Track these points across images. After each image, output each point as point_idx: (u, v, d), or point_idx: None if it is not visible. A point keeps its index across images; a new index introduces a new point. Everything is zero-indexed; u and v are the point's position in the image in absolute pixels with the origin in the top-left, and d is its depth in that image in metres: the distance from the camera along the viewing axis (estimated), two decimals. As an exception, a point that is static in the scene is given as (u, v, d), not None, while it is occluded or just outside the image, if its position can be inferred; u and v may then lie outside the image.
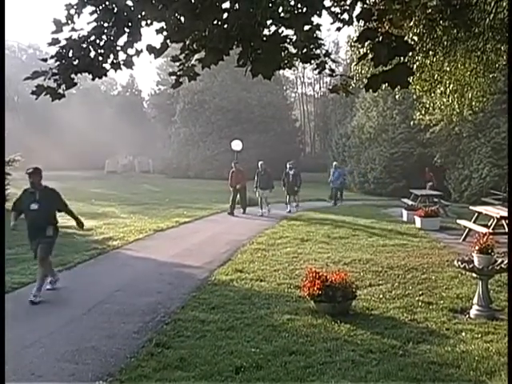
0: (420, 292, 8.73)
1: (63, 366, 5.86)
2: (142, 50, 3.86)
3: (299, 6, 3.58)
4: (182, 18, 3.61)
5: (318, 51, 3.88)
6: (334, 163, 27.31)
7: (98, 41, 3.79)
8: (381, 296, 8.49)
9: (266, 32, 3.66)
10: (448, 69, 11.80)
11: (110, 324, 7.28)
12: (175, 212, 19.85)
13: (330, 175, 26.04)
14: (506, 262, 7.18)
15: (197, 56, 3.99)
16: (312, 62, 3.92)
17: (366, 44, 3.67)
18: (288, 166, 21.72)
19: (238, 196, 20.54)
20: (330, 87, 4.44)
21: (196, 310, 7.76)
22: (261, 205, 20.36)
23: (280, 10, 3.60)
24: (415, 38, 10.24)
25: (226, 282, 9.49)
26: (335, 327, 6.97)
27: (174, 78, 4.25)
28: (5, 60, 4.36)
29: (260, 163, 21.04)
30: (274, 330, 6.90)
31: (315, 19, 3.58)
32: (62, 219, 17.59)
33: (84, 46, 3.79)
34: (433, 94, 13.24)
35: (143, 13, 3.68)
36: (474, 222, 13.75)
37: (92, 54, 3.82)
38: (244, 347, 6.26)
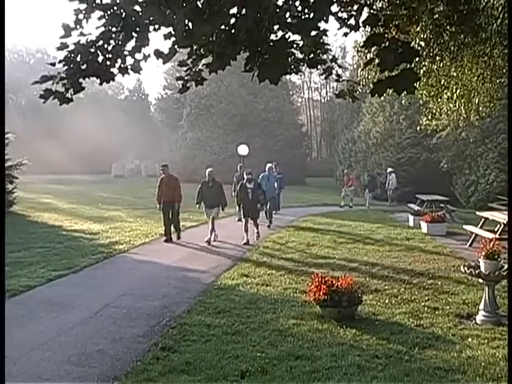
0: (426, 297, 8.71)
1: (69, 369, 5.88)
2: (149, 55, 3.89)
3: (306, 11, 3.59)
4: (190, 24, 3.63)
5: (325, 56, 3.89)
6: (269, 165, 19.18)
7: (105, 45, 3.82)
8: (387, 301, 8.49)
9: (272, 37, 3.67)
10: (455, 74, 11.79)
11: (117, 327, 7.30)
12: (181, 216, 19.79)
13: (264, 181, 17.94)
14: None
15: (204, 61, 4.01)
16: (319, 67, 3.93)
17: (373, 49, 3.68)
18: (245, 175, 15.23)
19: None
20: (337, 92, 4.45)
21: (202, 314, 7.77)
22: (211, 228, 14.80)
23: (287, 15, 3.62)
24: (422, 44, 10.25)
25: (232, 287, 9.49)
26: (341, 332, 6.96)
27: (181, 82, 4.27)
28: (5, 61, 4.40)
29: (208, 170, 15.13)
30: (279, 334, 6.90)
31: (322, 25, 3.60)
32: (69, 223, 17.83)
33: (92, 50, 3.81)
34: (439, 100, 13.22)
35: (151, 18, 3.70)
36: (481, 228, 13.71)
37: (100, 58, 3.85)
38: (249, 352, 6.27)
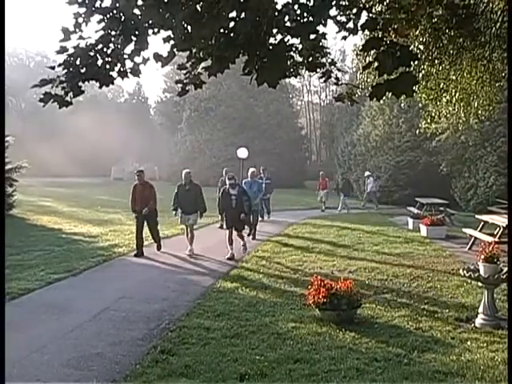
0: (425, 301, 8.71)
1: (68, 372, 5.87)
2: (148, 58, 3.89)
3: (305, 15, 3.60)
4: (189, 27, 3.64)
5: (324, 60, 3.90)
6: (251, 169, 16.68)
7: (105, 49, 3.82)
8: (386, 304, 8.48)
9: (271, 40, 3.68)
10: (454, 77, 11.81)
11: (116, 331, 7.29)
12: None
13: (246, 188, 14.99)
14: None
15: (203, 64, 4.01)
16: (318, 70, 3.94)
17: (372, 53, 3.69)
18: (227, 180, 13.43)
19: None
20: (336, 95, 4.45)
21: (201, 317, 7.77)
22: (190, 238, 13.46)
23: (286, 19, 3.62)
24: (421, 47, 10.27)
25: (231, 290, 9.49)
26: (340, 335, 6.96)
27: (180, 85, 4.27)
28: (5, 64, 4.41)
29: (184, 172, 13.79)
30: (278, 337, 6.90)
31: (321, 28, 3.61)
32: (69, 226, 17.82)
33: (91, 54, 3.82)
34: (439, 103, 13.24)
35: (150, 21, 3.71)
36: (480, 231, 13.71)
37: (99, 62, 3.85)
38: (249, 355, 6.26)
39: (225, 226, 13.36)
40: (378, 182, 29.24)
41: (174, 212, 13.75)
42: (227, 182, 13.28)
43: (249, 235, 15.51)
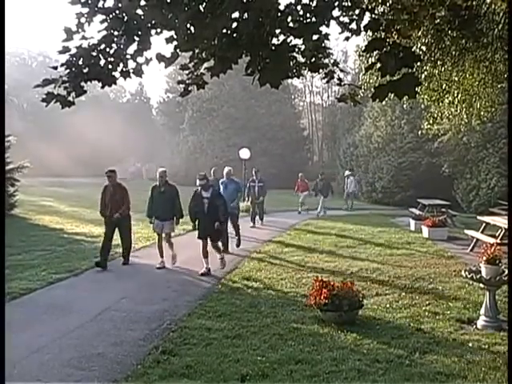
0: (427, 302, 8.70)
1: (69, 372, 5.87)
2: (151, 59, 3.89)
3: (308, 15, 3.60)
4: (192, 28, 3.64)
5: (327, 60, 3.90)
6: (226, 169, 15.49)
7: (107, 49, 3.83)
8: (387, 305, 8.47)
9: (274, 41, 3.68)
10: (456, 79, 11.81)
11: (117, 331, 7.29)
12: (182, 220, 19.81)
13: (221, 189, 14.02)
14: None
15: (206, 65, 4.02)
16: (320, 71, 3.94)
17: (374, 54, 3.69)
18: (198, 180, 11.29)
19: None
20: (338, 96, 4.45)
21: (202, 318, 7.77)
22: (168, 247, 11.97)
23: (289, 19, 3.63)
24: (423, 48, 10.27)
25: (233, 290, 9.49)
26: (341, 336, 6.95)
27: (182, 86, 4.27)
28: (5, 64, 4.40)
29: (160, 171, 12.13)
30: (280, 338, 6.89)
31: (323, 29, 3.61)
32: (71, 226, 17.82)
33: (94, 54, 3.82)
34: (441, 104, 13.24)
35: (153, 22, 3.71)
36: (482, 233, 13.69)
37: (102, 62, 3.85)
38: (250, 355, 6.26)
39: (198, 236, 11.34)
40: (357, 182, 28.66)
41: (149, 220, 12.13)
42: (197, 182, 11.22)
43: (237, 246, 14.11)
